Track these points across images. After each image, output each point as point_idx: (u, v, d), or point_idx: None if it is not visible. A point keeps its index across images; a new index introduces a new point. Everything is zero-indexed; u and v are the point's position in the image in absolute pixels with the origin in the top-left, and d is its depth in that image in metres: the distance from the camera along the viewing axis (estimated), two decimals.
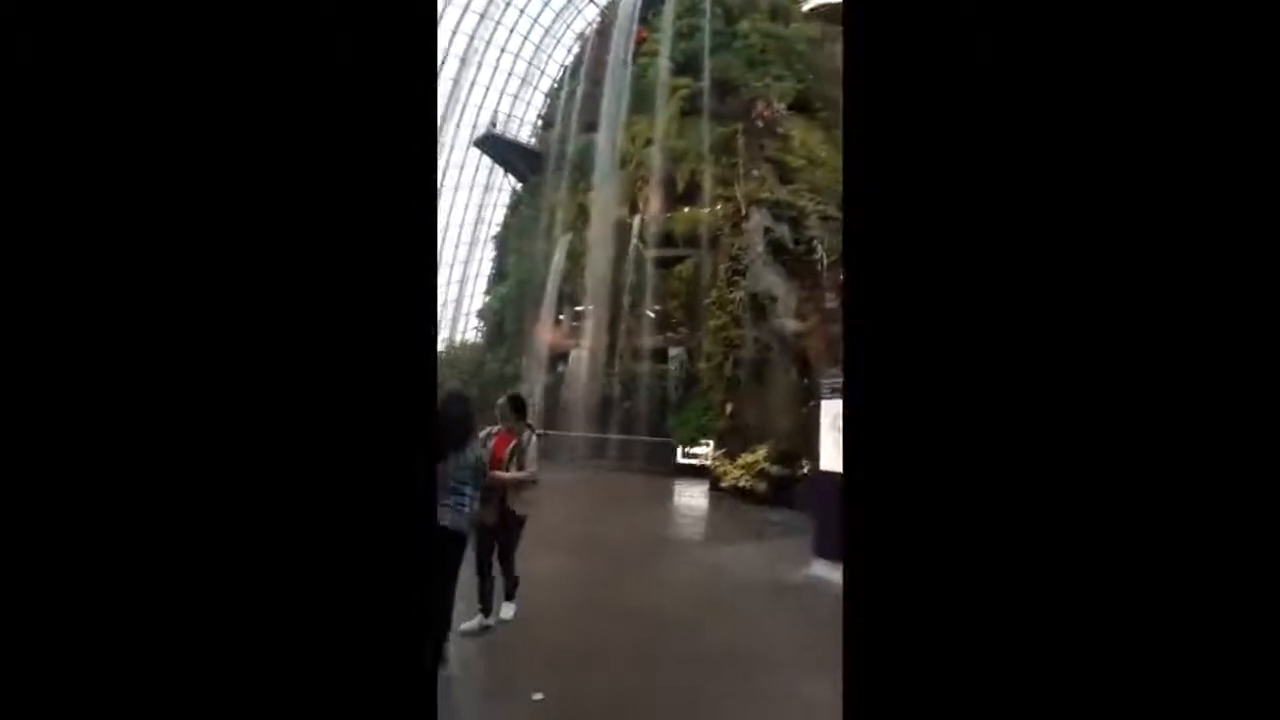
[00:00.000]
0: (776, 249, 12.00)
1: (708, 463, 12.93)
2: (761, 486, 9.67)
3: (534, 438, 4.17)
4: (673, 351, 16.83)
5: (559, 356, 19.89)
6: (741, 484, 9.84)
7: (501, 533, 3.94)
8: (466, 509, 3.25)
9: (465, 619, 3.73)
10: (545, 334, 20.29)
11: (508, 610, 4.06)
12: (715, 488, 10.69)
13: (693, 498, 10.59)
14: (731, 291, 11.65)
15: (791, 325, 11.20)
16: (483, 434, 3.79)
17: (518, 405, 4.24)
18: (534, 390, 17.86)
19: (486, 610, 3.88)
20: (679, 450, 14.11)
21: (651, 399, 16.41)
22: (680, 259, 17.46)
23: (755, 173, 15.89)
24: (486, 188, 34.67)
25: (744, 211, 12.16)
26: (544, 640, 3.89)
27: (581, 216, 20.22)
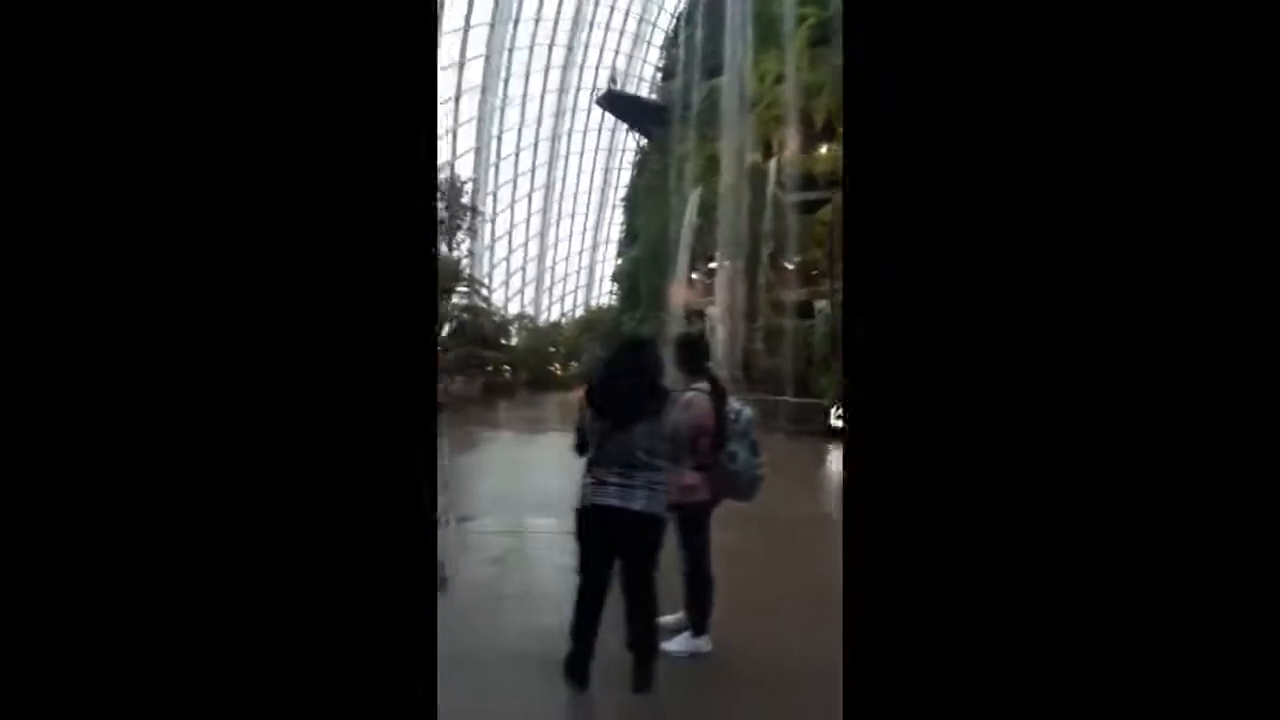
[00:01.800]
0: None
1: None
2: None
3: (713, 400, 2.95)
4: (819, 304, 15.74)
5: (695, 314, 19.43)
6: None
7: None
8: (661, 488, 2.62)
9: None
10: (680, 292, 19.87)
11: (685, 643, 2.96)
12: None
13: None
14: None
15: None
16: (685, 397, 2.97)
17: (688, 349, 3.15)
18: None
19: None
20: (832, 412, 13.22)
21: (797, 357, 15.53)
22: (822, 202, 16.19)
23: None
24: (610, 149, 34.51)
25: None
26: (738, 654, 3.03)
27: (711, 167, 19.33)
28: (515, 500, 6.38)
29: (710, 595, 3.01)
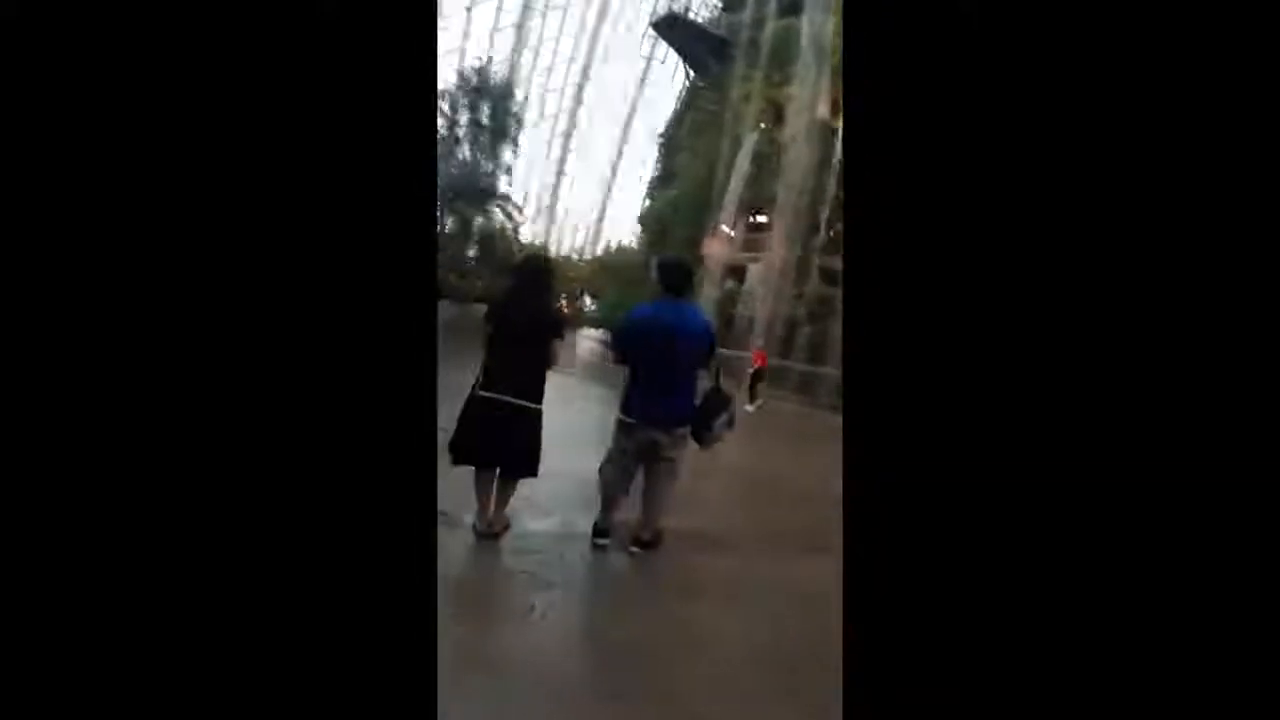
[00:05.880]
0: None
1: None
2: None
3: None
4: None
5: (732, 271, 18.49)
6: None
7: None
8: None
9: None
10: (719, 244, 18.84)
11: None
12: None
13: None
14: None
15: None
16: None
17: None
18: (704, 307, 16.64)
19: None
20: None
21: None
22: None
23: None
24: (643, 81, 32.67)
25: None
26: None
27: (771, 113, 18.09)
28: None
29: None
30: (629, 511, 3.29)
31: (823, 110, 16.73)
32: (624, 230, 27.58)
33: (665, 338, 3.07)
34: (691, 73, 23.20)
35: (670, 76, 27.07)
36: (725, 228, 18.68)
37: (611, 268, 23.80)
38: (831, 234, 15.74)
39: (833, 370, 14.12)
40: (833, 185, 15.78)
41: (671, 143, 23.06)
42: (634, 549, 3.24)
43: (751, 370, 11.07)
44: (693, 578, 3.11)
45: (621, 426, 3.22)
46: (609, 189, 33.09)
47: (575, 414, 6.15)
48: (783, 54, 18.25)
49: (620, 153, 32.41)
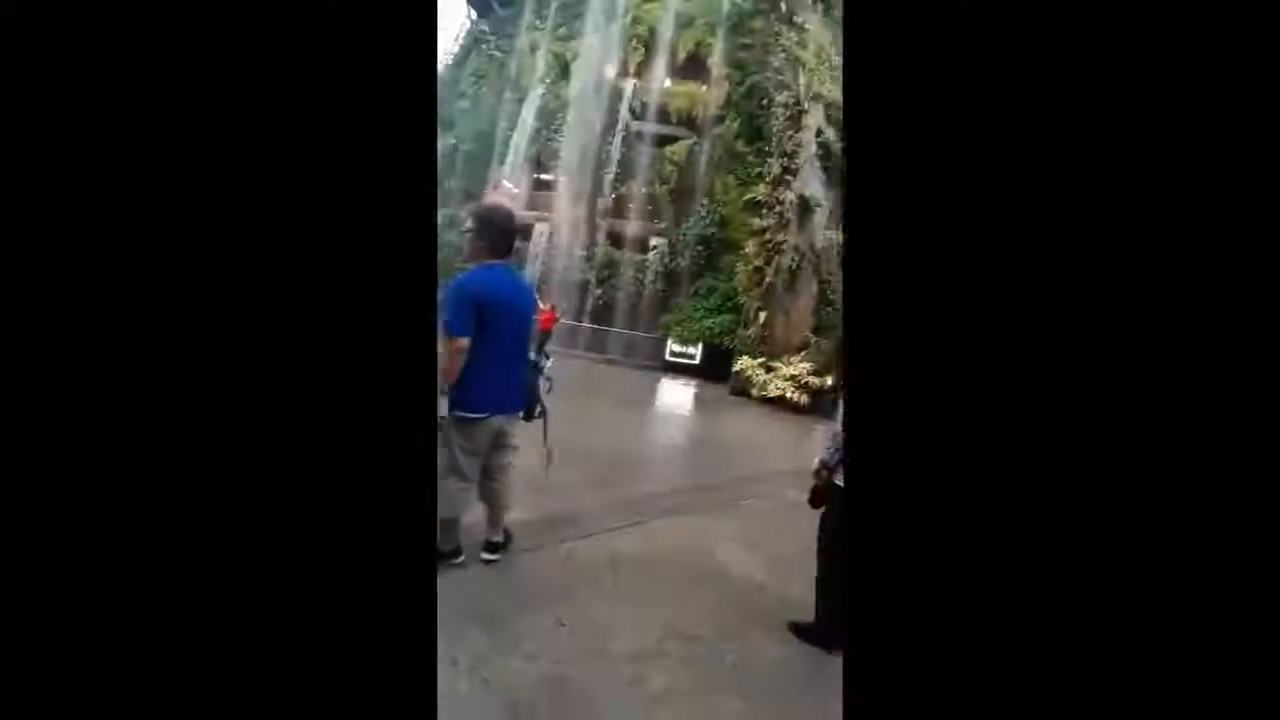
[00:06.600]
0: (824, 154, 11.38)
1: (694, 362, 12.80)
2: (804, 399, 9.60)
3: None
4: (654, 241, 15.89)
5: (518, 229, 18.12)
6: (787, 394, 9.69)
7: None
8: None
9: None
10: (501, 200, 18.32)
11: None
12: (741, 395, 10.47)
13: (731, 405, 10.25)
14: (781, 192, 10.94)
15: (835, 236, 10.85)
16: None
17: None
18: None
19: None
20: (667, 346, 13.67)
21: (631, 290, 15.59)
22: (672, 139, 16.16)
23: (774, 63, 14.76)
24: None
25: (804, 105, 11.23)
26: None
27: (558, 69, 17.94)
28: None
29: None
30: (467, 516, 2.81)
31: (610, 71, 17.08)
32: None
33: (507, 311, 2.59)
34: (473, 14, 21.85)
35: (448, 15, 25.12)
36: (508, 183, 18.22)
37: None
38: (615, 196, 16.32)
39: (620, 330, 14.89)
40: (617, 148, 16.30)
41: (448, 86, 21.61)
42: (488, 556, 2.84)
43: (540, 332, 11.20)
44: (569, 572, 2.89)
45: (464, 424, 2.59)
46: None
47: None
48: (571, 9, 18.13)
49: None
